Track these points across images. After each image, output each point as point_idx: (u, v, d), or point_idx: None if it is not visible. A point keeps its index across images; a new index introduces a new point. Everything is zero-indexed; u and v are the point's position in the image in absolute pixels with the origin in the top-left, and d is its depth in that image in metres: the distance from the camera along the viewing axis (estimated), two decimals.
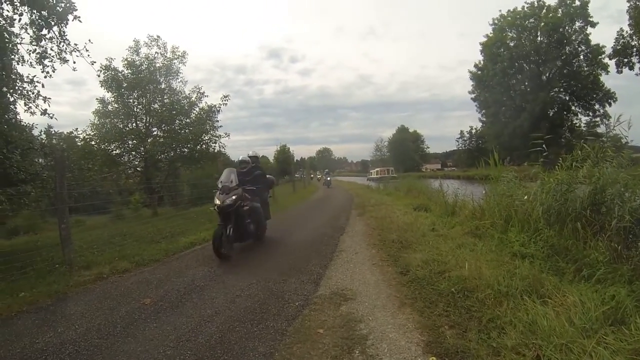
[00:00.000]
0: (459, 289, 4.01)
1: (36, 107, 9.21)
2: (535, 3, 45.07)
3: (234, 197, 6.57)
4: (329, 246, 7.18)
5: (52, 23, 8.63)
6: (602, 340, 2.67)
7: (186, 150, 18.68)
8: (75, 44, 9.26)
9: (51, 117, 9.53)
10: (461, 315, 3.50)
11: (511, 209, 6.24)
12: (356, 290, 4.51)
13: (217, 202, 6.59)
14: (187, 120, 18.48)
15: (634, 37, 35.52)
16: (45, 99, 9.25)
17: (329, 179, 34.55)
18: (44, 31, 8.62)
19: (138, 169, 19.07)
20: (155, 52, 17.96)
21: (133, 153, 18.19)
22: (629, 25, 35.36)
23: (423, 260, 5.20)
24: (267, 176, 9.05)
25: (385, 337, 3.29)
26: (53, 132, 11.63)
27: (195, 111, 18.73)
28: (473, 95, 52.15)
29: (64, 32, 8.96)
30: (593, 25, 42.53)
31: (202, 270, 5.80)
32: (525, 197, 6.10)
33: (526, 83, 46.29)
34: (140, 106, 18.03)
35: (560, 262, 4.47)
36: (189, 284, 5.06)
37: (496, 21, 47.75)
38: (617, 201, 4.80)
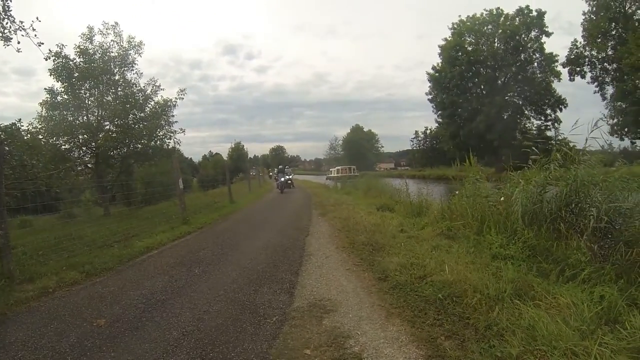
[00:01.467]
0: (446, 295, 3.82)
1: None
2: (494, 10, 46.53)
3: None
4: (295, 250, 6.82)
5: None
6: (601, 341, 2.62)
7: (140, 146, 17.63)
8: (21, 22, 8.38)
9: None
10: (455, 323, 3.31)
11: (486, 210, 6.16)
12: (335, 300, 4.17)
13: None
14: (142, 114, 17.41)
15: (586, 48, 37.63)
16: None
17: (286, 178, 24.62)
18: None
19: (89, 165, 17.94)
20: (111, 41, 16.89)
21: (84, 148, 17.03)
22: (582, 36, 37.53)
23: (400, 264, 4.98)
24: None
25: (380, 353, 2.99)
26: None
27: (150, 105, 17.78)
28: (430, 97, 53.21)
29: (8, 6, 8.08)
30: (548, 35, 44.47)
31: (161, 280, 5.26)
32: (502, 198, 6.01)
33: (482, 87, 47.67)
34: (92, 98, 16.80)
35: (542, 263, 4.40)
36: (149, 298, 4.50)
37: (455, 26, 48.85)
38: (593, 202, 4.84)
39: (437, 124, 57.03)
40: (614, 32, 35.49)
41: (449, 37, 49.38)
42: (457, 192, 7.51)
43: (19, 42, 8.55)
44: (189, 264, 6.05)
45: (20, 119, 12.54)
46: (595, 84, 38.24)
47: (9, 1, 8.06)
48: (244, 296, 4.43)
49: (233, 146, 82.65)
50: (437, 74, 51.04)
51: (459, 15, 49.76)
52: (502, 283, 3.78)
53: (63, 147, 16.33)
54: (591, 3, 35.83)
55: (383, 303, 3.96)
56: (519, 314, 3.17)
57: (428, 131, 77.63)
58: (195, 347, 3.21)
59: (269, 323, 3.62)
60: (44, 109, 15.92)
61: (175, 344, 3.29)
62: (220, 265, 5.96)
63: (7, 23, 8.23)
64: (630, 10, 33.82)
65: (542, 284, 3.77)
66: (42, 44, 9.07)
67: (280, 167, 26.96)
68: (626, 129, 34.88)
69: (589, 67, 38.42)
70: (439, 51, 50.69)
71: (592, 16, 36.01)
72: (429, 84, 52.88)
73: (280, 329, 3.48)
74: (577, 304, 3.15)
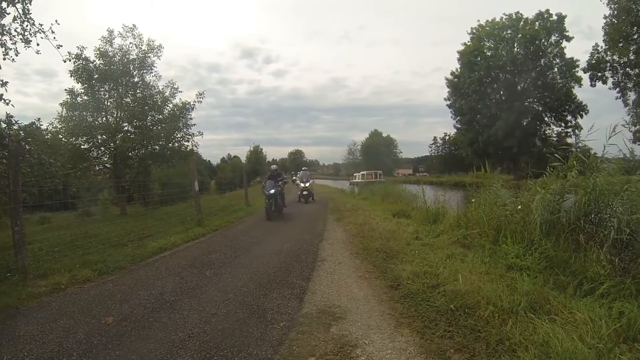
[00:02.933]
0: (458, 306, 3.72)
1: None
2: (514, 15, 45.95)
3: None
4: (308, 255, 6.76)
5: None
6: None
7: (158, 147, 17.91)
8: (41, 24, 8.55)
9: (7, 104, 8.79)
10: (466, 336, 3.20)
11: (502, 219, 6.02)
12: (345, 308, 4.10)
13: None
14: (160, 116, 17.72)
15: (608, 53, 36.80)
16: (2, 84, 8.51)
17: (306, 184, 18.54)
18: (4, 4, 7.89)
19: (107, 165, 18.23)
20: (130, 43, 17.19)
21: (102, 149, 17.34)
22: (604, 41, 36.68)
23: (413, 273, 4.87)
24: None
25: None
26: (15, 122, 10.82)
27: (168, 107, 18.02)
28: (449, 102, 52.79)
29: (28, 9, 8.25)
30: (568, 39, 43.71)
31: (171, 281, 5.26)
32: (519, 207, 5.87)
33: (501, 92, 47.06)
34: (111, 100, 17.18)
35: (559, 275, 4.27)
36: (158, 299, 4.51)
37: (474, 30, 48.45)
38: (614, 212, 4.70)
39: (455, 130, 56.55)
40: (635, 36, 34.59)
41: (468, 42, 49.00)
42: (473, 200, 7.36)
43: (38, 45, 8.73)
44: (201, 266, 6.04)
45: (39, 119, 12.80)
46: (617, 89, 37.30)
47: (28, 4, 8.21)
48: (253, 300, 4.39)
49: (252, 149, 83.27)
50: (455, 80, 50.68)
51: (478, 20, 49.38)
52: (516, 295, 3.68)
53: (82, 146, 16.63)
54: (612, 6, 34.94)
55: (393, 312, 3.87)
56: (533, 328, 3.06)
57: (447, 137, 77.06)
58: (200, 349, 3.19)
59: (276, 328, 3.57)
60: (64, 110, 16.27)
61: (180, 345, 3.28)
62: (232, 268, 5.94)
63: (27, 26, 8.40)
64: None
65: (558, 297, 3.65)
66: (61, 46, 9.26)
67: (304, 169, 19.94)
68: None
69: (610, 72, 37.44)
70: (458, 56, 50.36)
71: (613, 20, 35.13)
72: (448, 90, 52.59)
73: (286, 335, 3.42)
74: (594, 319, 3.03)
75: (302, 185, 18.38)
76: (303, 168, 20.35)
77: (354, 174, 56.39)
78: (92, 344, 3.33)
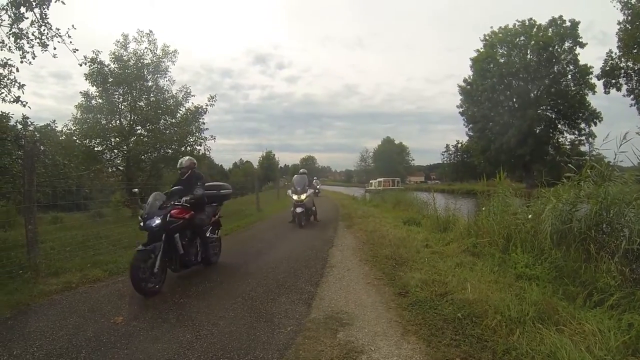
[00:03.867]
0: (466, 314, 3.70)
1: (9, 93, 8.64)
2: (527, 21, 45.59)
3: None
4: (318, 261, 6.78)
5: (34, 3, 8.07)
6: None
7: (170, 151, 18.01)
8: (57, 29, 8.71)
9: (24, 105, 8.96)
10: (472, 345, 3.19)
11: (512, 228, 5.98)
12: (353, 314, 4.11)
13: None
14: (173, 120, 17.88)
15: (622, 59, 36.33)
16: (20, 86, 8.68)
17: (301, 195, 11.69)
18: (22, 9, 8.06)
19: (120, 167, 18.43)
20: (145, 48, 17.41)
21: (115, 151, 17.56)
22: (618, 47, 36.24)
23: (422, 280, 4.87)
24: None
25: None
26: (30, 123, 11.02)
27: (181, 111, 18.18)
28: (461, 110, 52.36)
29: (45, 14, 8.42)
30: (582, 45, 43.16)
31: (181, 283, 5.33)
32: (530, 216, 5.83)
33: (514, 100, 46.61)
34: (125, 103, 17.37)
35: (569, 285, 4.24)
36: (166, 300, 4.58)
37: (487, 37, 48.13)
38: (626, 222, 4.65)
39: (468, 138, 56.15)
40: None
41: (481, 48, 48.65)
42: (483, 208, 7.32)
43: (55, 48, 8.89)
44: (210, 269, 6.08)
45: (54, 120, 13.06)
46: (632, 96, 36.80)
47: (46, 9, 8.38)
48: (261, 304, 4.42)
49: (264, 155, 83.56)
50: (468, 87, 50.33)
51: (491, 27, 48.93)
52: (525, 305, 3.66)
53: (96, 149, 16.84)
54: (626, 12, 34.47)
55: (400, 319, 3.88)
56: (540, 339, 3.04)
57: (459, 145, 76.58)
58: (207, 350, 3.23)
59: (283, 333, 3.60)
60: (79, 112, 16.52)
61: (188, 346, 3.32)
62: (241, 272, 5.99)
63: (44, 30, 8.55)
64: None
65: (567, 307, 3.62)
66: (77, 50, 9.39)
67: (301, 171, 13.13)
68: None
69: (624, 79, 36.97)
70: (470, 63, 49.95)
71: (627, 26, 34.63)
72: (460, 97, 52.18)
73: (293, 340, 3.44)
74: (603, 331, 3.01)
75: (294, 197, 11.79)
76: (300, 171, 13.22)
77: (370, 181, 54.45)
78: (101, 342, 3.40)
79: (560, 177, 6.01)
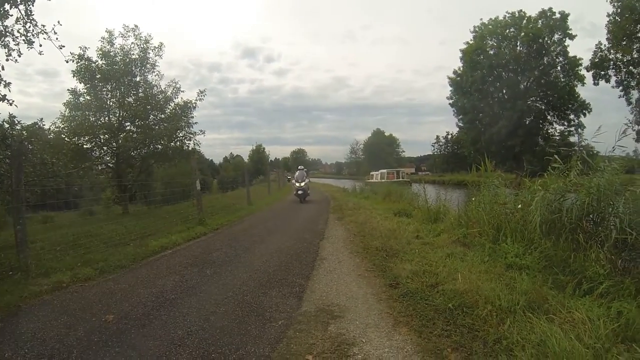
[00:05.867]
0: (457, 305, 3.73)
1: None
2: (517, 13, 45.65)
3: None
4: (309, 254, 6.78)
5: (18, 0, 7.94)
6: None
7: (160, 146, 17.92)
8: (43, 25, 8.58)
9: (10, 104, 8.81)
10: (463, 335, 3.21)
11: (502, 218, 6.02)
12: (344, 306, 4.12)
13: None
14: (162, 115, 17.71)
15: (611, 51, 36.65)
16: (6, 84, 8.55)
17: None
18: (7, 6, 7.92)
19: (109, 164, 18.27)
20: (132, 43, 17.19)
21: (104, 148, 17.36)
22: (607, 39, 36.54)
23: (412, 272, 4.90)
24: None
25: None
26: (17, 122, 10.87)
27: (170, 107, 18.02)
28: (451, 101, 52.48)
29: (30, 10, 8.28)
30: (572, 37, 43.33)
31: (172, 279, 5.28)
32: (520, 206, 5.87)
33: (504, 91, 46.79)
34: (113, 99, 17.14)
35: (559, 274, 4.26)
36: (158, 297, 4.54)
37: (477, 29, 48.16)
38: (616, 212, 4.70)
39: (458, 129, 56.34)
40: (639, 34, 34.49)
41: (471, 40, 48.71)
42: (473, 199, 7.36)
43: (41, 45, 8.75)
44: (201, 265, 6.07)
45: (42, 119, 12.84)
46: (620, 88, 37.14)
47: (31, 6, 8.25)
48: (252, 298, 4.41)
49: (254, 148, 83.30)
50: (458, 78, 50.40)
51: (481, 19, 49.09)
52: (515, 294, 3.69)
53: (84, 146, 16.65)
54: (615, 4, 34.74)
55: (391, 311, 3.89)
56: (530, 327, 3.07)
57: (449, 136, 76.83)
58: (198, 347, 3.21)
59: (274, 326, 3.59)
60: (67, 109, 16.30)
61: (179, 342, 3.30)
62: (232, 267, 5.96)
63: (29, 27, 8.42)
64: None
65: (557, 296, 3.65)
66: (63, 47, 9.28)
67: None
68: None
69: (613, 70, 37.28)
70: (460, 55, 49.95)
71: (616, 18, 34.96)
72: (450, 88, 52.27)
73: (284, 333, 3.44)
74: (592, 319, 3.03)
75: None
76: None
77: (371, 173, 51.34)
78: (92, 341, 3.36)
79: (548, 167, 6.05)
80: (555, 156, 5.85)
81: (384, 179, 41.30)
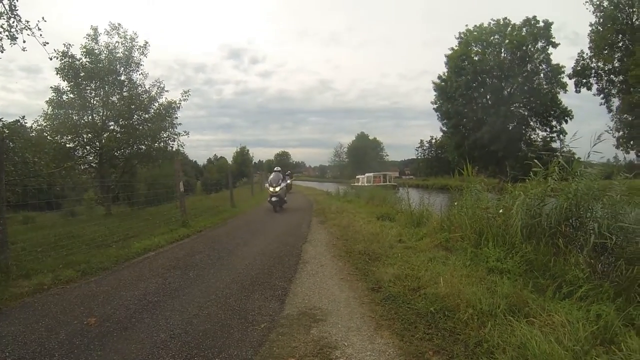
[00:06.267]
0: (438, 309, 3.76)
1: None
2: (501, 21, 46.59)
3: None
4: (291, 257, 6.78)
5: None
6: None
7: (143, 147, 17.70)
8: (27, 21, 8.45)
9: None
10: (445, 338, 3.25)
11: (483, 222, 6.10)
12: (326, 310, 4.13)
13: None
14: (146, 115, 17.50)
15: (593, 60, 37.59)
16: None
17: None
18: None
19: (92, 164, 18.00)
20: (116, 42, 17.00)
21: (87, 147, 17.10)
22: (589, 48, 37.51)
23: (395, 275, 4.94)
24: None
25: None
26: None
27: (154, 107, 17.83)
28: (435, 106, 53.14)
29: (14, 5, 8.16)
30: (555, 45, 44.43)
31: (155, 282, 5.24)
32: (501, 211, 5.96)
33: (488, 97, 47.59)
34: (97, 98, 16.89)
35: (539, 278, 4.33)
36: (141, 299, 4.50)
37: (462, 35, 48.90)
38: (594, 216, 4.82)
39: (442, 133, 56.92)
40: (620, 44, 35.54)
41: (456, 46, 49.44)
42: (455, 203, 7.44)
43: (24, 42, 8.63)
44: (184, 267, 6.04)
45: (24, 116, 12.61)
46: (602, 95, 38.18)
47: (15, 0, 8.13)
48: (235, 301, 4.40)
49: (238, 150, 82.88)
50: (442, 83, 51.07)
51: (466, 25, 49.80)
52: (496, 298, 3.73)
53: (67, 145, 16.38)
54: (598, 14, 35.86)
55: (373, 314, 3.91)
56: (511, 330, 3.10)
57: (433, 140, 77.43)
58: (181, 350, 3.20)
59: (256, 329, 3.59)
60: (50, 107, 16.03)
61: (162, 345, 3.29)
62: (215, 269, 5.94)
63: (13, 22, 8.30)
64: (637, 22, 33.85)
65: (537, 300, 3.70)
66: (47, 43, 9.17)
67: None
68: (632, 142, 34.70)
69: (595, 78, 38.47)
70: (445, 60, 50.75)
71: (599, 27, 36.08)
72: (435, 93, 52.91)
73: (267, 336, 3.44)
74: (572, 322, 3.07)
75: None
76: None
77: (357, 176, 50.01)
78: (74, 345, 3.32)
79: (533, 172, 6.15)
80: (535, 161, 5.97)
81: (370, 182, 40.42)
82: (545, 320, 3.22)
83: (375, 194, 17.93)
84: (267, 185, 15.58)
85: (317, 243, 8.10)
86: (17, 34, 8.47)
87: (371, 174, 45.50)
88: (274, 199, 14.77)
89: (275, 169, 16.79)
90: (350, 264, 6.06)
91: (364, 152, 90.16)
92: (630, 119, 34.13)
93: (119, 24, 17.01)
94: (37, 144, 12.93)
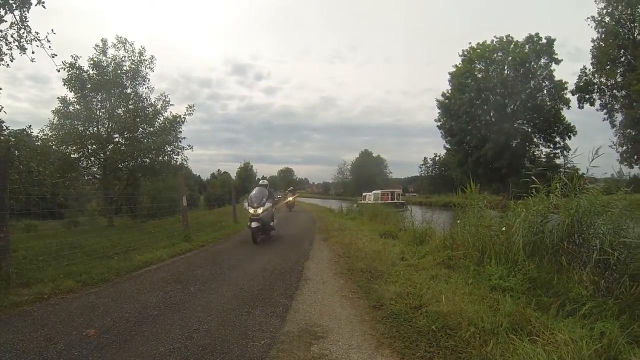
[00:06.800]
0: (440, 327, 3.72)
1: None
2: (504, 38, 46.94)
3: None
4: (293, 273, 6.75)
5: (14, 5, 7.94)
6: None
7: (148, 160, 17.90)
8: (37, 33, 8.59)
9: None
10: (446, 357, 3.23)
11: (486, 240, 6.07)
12: (327, 327, 4.10)
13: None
14: (151, 129, 17.74)
15: (595, 75, 37.75)
16: None
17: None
18: (1, 11, 7.93)
19: (96, 175, 18.11)
20: (123, 55, 17.25)
21: (92, 159, 17.26)
22: (592, 63, 37.69)
23: (397, 293, 4.90)
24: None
25: None
26: (5, 127, 10.76)
27: (159, 120, 18.03)
28: (439, 123, 53.30)
29: (25, 17, 8.30)
30: (557, 62, 44.72)
31: (155, 295, 5.23)
32: (504, 229, 5.93)
33: (491, 114, 47.72)
34: (103, 110, 17.18)
35: (542, 296, 4.30)
36: (141, 312, 4.49)
37: (465, 52, 49.26)
38: (597, 233, 4.80)
39: (445, 151, 56.97)
40: (622, 59, 35.69)
41: (459, 64, 49.74)
42: (458, 221, 7.41)
43: (33, 52, 8.75)
44: (185, 282, 6.02)
45: (30, 126, 12.79)
46: (605, 111, 38.21)
47: (26, 12, 8.27)
48: (235, 317, 4.38)
49: (242, 166, 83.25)
50: (446, 101, 51.32)
51: (469, 42, 50.24)
52: (498, 316, 3.70)
53: (72, 155, 16.53)
54: (600, 30, 36.13)
55: (374, 332, 3.88)
56: (513, 349, 3.07)
57: (437, 158, 77.46)
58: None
59: (256, 346, 3.56)
60: (56, 117, 16.22)
61: (161, 359, 3.26)
62: (217, 284, 5.92)
63: (23, 33, 8.43)
64: (639, 37, 34.01)
65: (540, 318, 3.67)
66: (56, 55, 9.29)
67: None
68: (636, 157, 34.64)
69: (598, 94, 38.54)
70: (449, 78, 51.09)
71: (600, 43, 36.31)
72: (438, 111, 53.12)
73: (267, 353, 3.41)
74: (575, 340, 3.04)
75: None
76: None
77: (364, 194, 48.23)
78: (73, 356, 3.31)
79: (536, 189, 6.15)
80: (533, 177, 5.98)
81: (378, 200, 38.54)
82: (548, 339, 3.20)
83: (378, 212, 17.87)
84: (246, 204, 11.35)
85: (319, 260, 8.08)
86: (27, 44, 8.59)
87: (378, 192, 44.50)
88: (253, 224, 10.51)
89: (260, 182, 12.47)
90: (352, 282, 6.03)
91: (367, 170, 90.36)
92: (633, 133, 34.12)
93: (126, 39, 17.33)
94: (43, 154, 13.06)
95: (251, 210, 10.66)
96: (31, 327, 4.00)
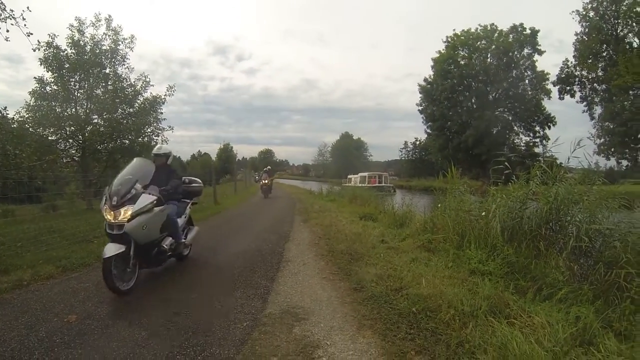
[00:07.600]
0: (420, 309, 3.78)
1: None
2: (489, 26, 47.20)
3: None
4: (274, 255, 6.78)
5: None
6: None
7: (127, 141, 17.58)
8: (12, 10, 8.25)
9: None
10: (427, 338, 3.27)
11: (466, 224, 6.16)
12: (308, 309, 4.14)
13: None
14: (131, 109, 17.32)
15: (577, 68, 38.40)
16: None
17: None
18: None
19: (75, 158, 17.70)
20: (103, 34, 16.74)
21: (70, 141, 16.82)
22: (574, 56, 38.34)
23: (377, 275, 4.96)
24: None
25: None
26: None
27: (139, 101, 17.63)
28: (420, 108, 53.68)
29: None
30: (540, 53, 45.38)
31: (136, 279, 5.16)
32: (483, 213, 6.03)
33: (473, 101, 48.25)
34: (81, 90, 16.64)
35: (520, 280, 4.40)
36: (122, 297, 4.44)
37: (449, 39, 49.44)
38: (573, 220, 4.91)
39: (426, 135, 57.36)
40: (604, 54, 36.45)
41: (442, 50, 49.88)
42: (439, 205, 7.50)
43: (7, 31, 8.42)
44: (165, 265, 5.96)
45: (6, 107, 12.34)
46: (585, 103, 39.09)
47: None
48: (216, 300, 4.38)
49: (222, 147, 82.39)
50: (428, 86, 51.57)
51: (454, 29, 50.36)
52: (477, 299, 3.77)
53: (50, 138, 16.09)
54: (584, 24, 36.73)
55: (356, 314, 3.93)
56: (492, 331, 3.12)
57: (417, 142, 77.83)
58: (163, 347, 3.17)
59: (238, 328, 3.58)
60: (33, 99, 15.72)
61: (144, 344, 3.25)
62: (197, 267, 5.92)
63: None
64: (622, 33, 34.65)
65: (518, 301, 3.75)
66: (32, 34, 8.94)
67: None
68: (612, 149, 35.55)
69: (579, 86, 39.38)
70: (432, 63, 51.23)
71: (584, 37, 36.96)
72: (420, 95, 53.36)
73: (249, 335, 3.43)
74: (552, 323, 3.12)
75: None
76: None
77: (349, 176, 45.67)
78: (54, 342, 3.27)
79: (515, 176, 6.26)
80: (506, 163, 6.09)
81: (365, 183, 36.53)
82: (525, 322, 3.27)
83: (357, 194, 17.96)
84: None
85: (299, 242, 8.12)
86: (1, 23, 8.25)
87: (365, 174, 41.84)
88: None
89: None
90: (332, 264, 6.07)
91: (347, 152, 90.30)
92: (611, 126, 34.94)
93: (109, 16, 16.75)
94: (19, 136, 12.67)
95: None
96: (11, 314, 3.92)
